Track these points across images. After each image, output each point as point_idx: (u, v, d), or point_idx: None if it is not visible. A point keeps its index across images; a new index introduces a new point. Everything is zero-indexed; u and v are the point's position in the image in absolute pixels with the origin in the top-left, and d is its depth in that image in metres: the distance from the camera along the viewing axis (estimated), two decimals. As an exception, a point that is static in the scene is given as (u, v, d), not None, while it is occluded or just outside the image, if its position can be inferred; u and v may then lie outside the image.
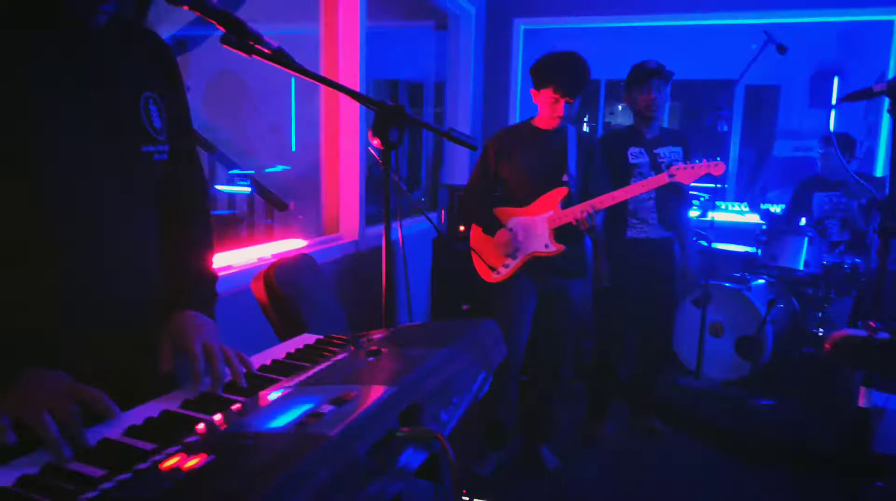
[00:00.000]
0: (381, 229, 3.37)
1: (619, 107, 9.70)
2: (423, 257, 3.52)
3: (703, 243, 3.61)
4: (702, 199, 3.90)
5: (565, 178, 2.42)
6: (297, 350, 1.11)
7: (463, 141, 1.37)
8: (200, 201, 1.15)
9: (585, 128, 7.90)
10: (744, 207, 4.82)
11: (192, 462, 0.62)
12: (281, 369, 1.00)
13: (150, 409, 0.83)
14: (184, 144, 1.08)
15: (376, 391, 0.78)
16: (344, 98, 2.90)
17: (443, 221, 3.36)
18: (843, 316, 3.60)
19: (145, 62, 1.00)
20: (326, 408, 0.73)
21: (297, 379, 0.91)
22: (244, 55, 1.07)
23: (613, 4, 4.54)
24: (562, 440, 2.89)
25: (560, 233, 2.42)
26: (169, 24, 5.04)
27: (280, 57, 1.10)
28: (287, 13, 4.36)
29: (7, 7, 0.81)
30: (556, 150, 2.47)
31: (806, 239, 3.47)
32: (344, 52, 2.90)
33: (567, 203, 2.41)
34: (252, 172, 4.53)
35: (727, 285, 3.46)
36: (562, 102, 2.36)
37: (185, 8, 1.00)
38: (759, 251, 3.67)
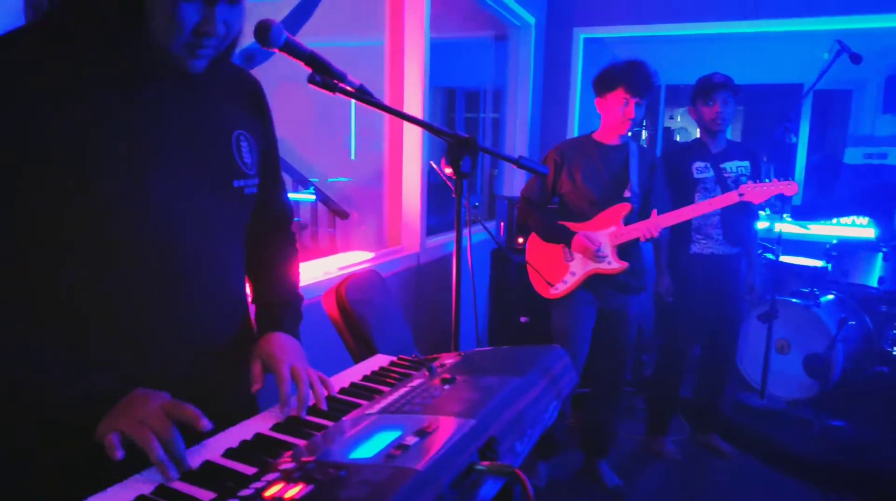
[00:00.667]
0: (441, 240, 3.43)
1: (679, 115, 9.51)
2: (481, 268, 3.55)
3: (770, 256, 3.52)
4: (767, 212, 3.80)
5: (627, 194, 2.42)
6: (373, 373, 1.16)
7: (532, 169, 1.40)
8: (286, 225, 1.22)
9: (644, 134, 7.79)
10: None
11: (293, 492, 0.67)
12: (359, 392, 1.05)
13: (243, 431, 0.90)
14: (271, 172, 1.15)
15: (457, 424, 0.82)
16: (409, 109, 2.97)
17: (501, 232, 3.38)
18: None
19: (237, 99, 1.07)
20: (411, 440, 0.78)
21: (377, 405, 0.96)
22: (329, 93, 1.13)
23: (675, 12, 4.47)
24: (621, 455, 2.87)
25: (621, 249, 2.42)
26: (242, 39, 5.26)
27: (362, 94, 1.16)
28: (353, 26, 4.48)
29: (114, 58, 0.87)
30: (617, 166, 2.46)
31: (880, 254, 3.34)
32: (409, 63, 2.96)
33: (629, 220, 2.41)
34: (316, 180, 4.67)
35: (794, 300, 3.36)
36: (632, 103, 2.34)
37: (277, 51, 1.07)
38: (830, 266, 3.55)
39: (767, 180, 2.38)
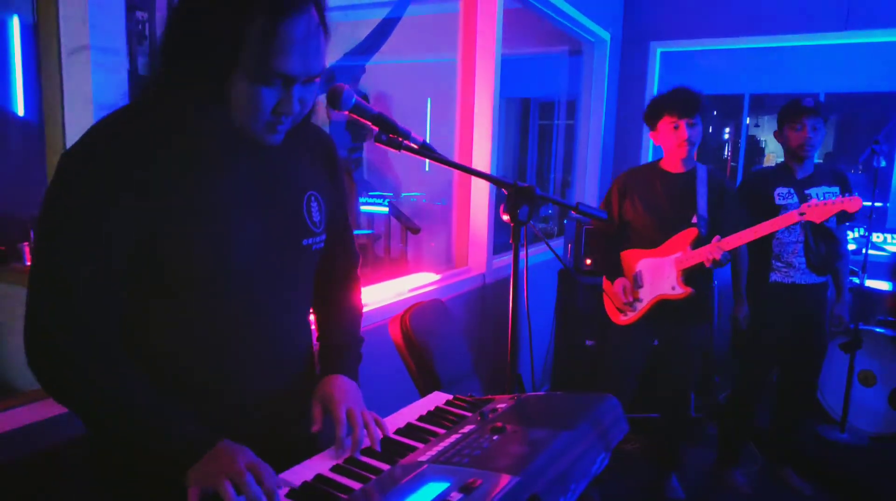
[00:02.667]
0: (508, 258, 3.46)
1: (764, 123, 9.12)
2: (548, 289, 3.56)
3: (855, 279, 3.35)
4: (858, 232, 3.61)
5: (695, 219, 2.39)
6: (429, 413, 1.22)
7: (591, 214, 1.43)
8: (352, 271, 1.31)
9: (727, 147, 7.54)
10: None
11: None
12: (415, 434, 1.12)
13: (305, 471, 0.98)
14: (340, 225, 1.24)
15: (501, 480, 0.87)
16: (478, 128, 3.03)
17: (568, 253, 3.39)
18: None
19: (311, 160, 1.15)
20: (456, 497, 0.83)
21: (429, 452, 1.02)
22: (394, 150, 1.21)
23: (754, 25, 4.32)
24: (688, 484, 2.82)
25: (688, 275, 2.39)
26: (329, 56, 5.50)
27: (425, 150, 1.23)
28: (430, 43, 4.59)
29: (206, 135, 0.98)
30: (683, 191, 2.44)
31: (980, 284, 3.12)
32: (480, 80, 3.03)
33: (696, 245, 2.37)
34: (391, 194, 4.82)
35: (880, 330, 3.18)
36: (682, 125, 2.34)
37: (347, 113, 1.16)
38: (922, 294, 3.34)
39: (832, 197, 2.29)
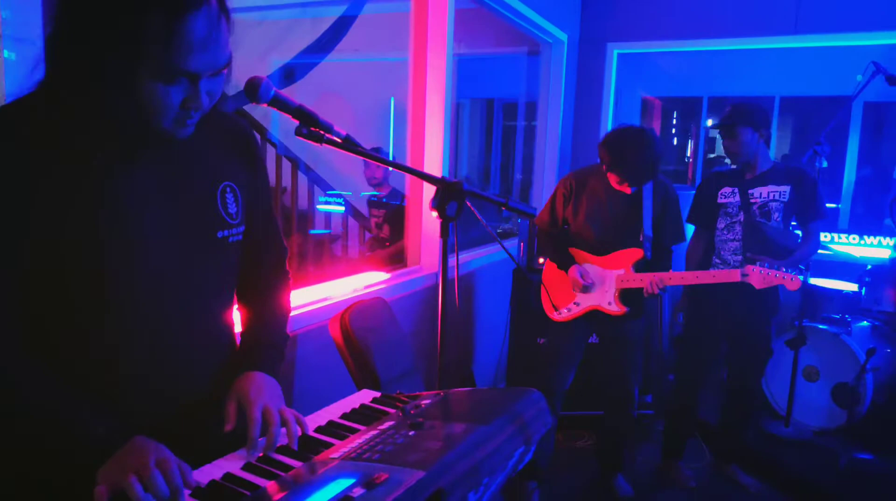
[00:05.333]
0: (464, 257, 3.47)
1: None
2: (503, 287, 3.58)
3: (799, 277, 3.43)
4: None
5: (641, 239, 2.42)
6: (353, 411, 1.21)
7: (520, 211, 1.43)
8: (277, 265, 1.28)
9: (690, 146, 7.69)
10: (853, 237, 4.49)
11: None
12: (335, 431, 1.10)
13: (215, 470, 0.96)
14: (263, 217, 1.21)
15: (408, 475, 0.86)
16: (429, 127, 3.03)
17: (521, 251, 3.40)
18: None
19: (225, 151, 1.13)
20: (358, 492, 0.82)
21: (344, 448, 1.01)
22: (316, 144, 1.19)
23: (710, 28, 4.41)
24: (635, 479, 2.86)
25: (624, 292, 2.45)
26: (280, 53, 5.44)
27: (349, 144, 1.21)
28: (393, 42, 4.58)
29: (108, 129, 0.94)
30: (628, 207, 2.47)
31: (917, 282, 3.22)
32: (432, 79, 3.02)
33: (639, 267, 2.43)
34: (349, 193, 4.79)
35: (823, 327, 3.27)
36: (626, 185, 2.38)
37: (265, 105, 1.14)
38: (863, 291, 3.44)
39: (775, 268, 2.33)
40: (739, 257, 2.70)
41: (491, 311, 3.71)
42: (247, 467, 0.98)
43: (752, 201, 2.71)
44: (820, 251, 4.06)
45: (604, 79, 4.84)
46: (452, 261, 3.40)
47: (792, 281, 2.28)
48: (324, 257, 4.35)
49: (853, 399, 3.08)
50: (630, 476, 2.86)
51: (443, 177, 1.33)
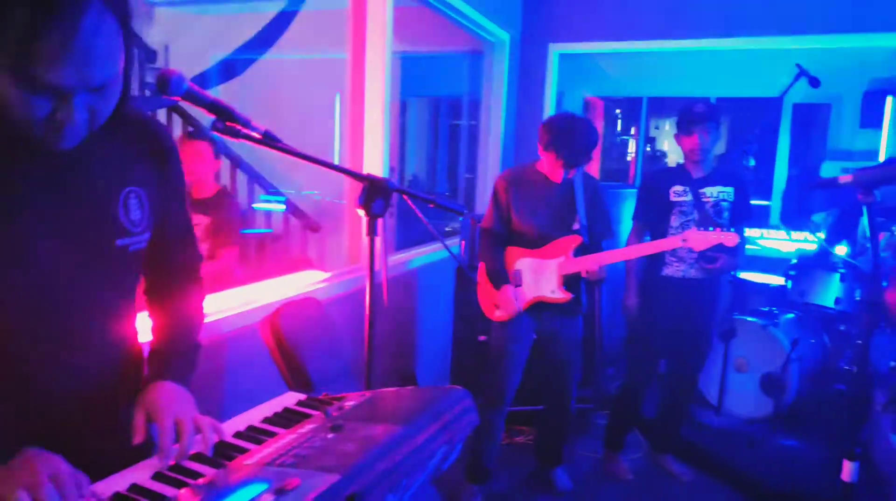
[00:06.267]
0: (406, 256, 3.45)
1: (665, 125, 9.57)
2: (446, 285, 3.58)
3: (731, 272, 3.55)
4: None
5: (576, 227, 2.46)
6: (276, 414, 1.18)
7: (449, 208, 1.43)
8: (192, 274, 1.24)
9: (632, 145, 7.86)
10: (781, 233, 4.68)
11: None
12: (253, 436, 1.07)
13: (120, 481, 0.92)
14: (174, 223, 1.16)
15: (319, 481, 0.84)
16: (370, 121, 3.00)
17: (463, 249, 3.41)
18: (885, 353, 3.49)
19: (133, 155, 1.07)
20: (268, 499, 0.80)
21: (260, 453, 0.98)
22: (233, 139, 1.16)
23: (647, 30, 4.52)
24: (575, 472, 2.91)
25: (565, 278, 2.48)
26: (219, 48, 5.29)
27: (268, 140, 1.18)
28: (339, 38, 4.52)
29: None
30: (563, 198, 2.52)
31: (838, 275, 3.38)
32: (371, 77, 2.99)
33: (578, 252, 2.46)
34: (293, 192, 4.70)
35: (751, 319, 3.39)
36: (562, 167, 2.40)
37: (178, 99, 1.10)
38: (790, 285, 3.59)
39: (711, 229, 2.40)
40: (695, 255, 2.75)
41: (434, 310, 3.71)
42: (156, 476, 0.94)
43: (704, 199, 2.75)
44: (750, 247, 4.22)
45: (545, 79, 4.90)
46: (392, 259, 3.40)
47: (729, 238, 2.34)
48: (264, 256, 4.26)
49: (780, 389, 3.21)
50: (569, 469, 2.90)
51: (368, 174, 1.31)
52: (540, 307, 2.53)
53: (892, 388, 3.09)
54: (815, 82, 3.27)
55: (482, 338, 3.08)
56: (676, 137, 2.80)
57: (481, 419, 2.80)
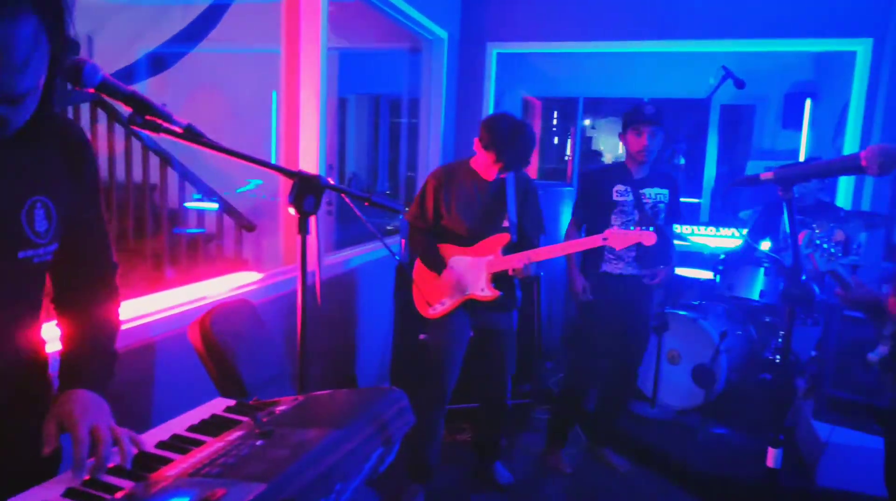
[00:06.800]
0: (345, 255, 3.39)
1: (599, 124, 9.79)
2: (387, 284, 3.55)
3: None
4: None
5: (506, 224, 2.48)
6: (203, 421, 1.13)
7: (386, 206, 1.40)
8: (105, 281, 1.18)
9: (569, 145, 8.00)
10: (711, 230, 4.85)
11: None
12: (178, 445, 1.02)
13: (30, 499, 0.86)
14: (87, 229, 1.11)
15: (245, 490, 0.81)
16: (305, 118, 2.93)
17: (403, 248, 3.39)
18: (806, 344, 3.67)
19: (43, 163, 1.01)
20: (189, 512, 0.76)
21: (184, 463, 0.93)
22: (153, 134, 1.10)
23: (582, 31, 4.61)
24: (516, 467, 2.93)
25: (496, 275, 2.49)
26: (147, 40, 5.07)
27: (191, 135, 1.13)
28: (268, 33, 4.40)
29: None
30: (494, 196, 2.53)
31: (762, 269, 3.53)
32: (305, 73, 2.93)
33: (508, 250, 2.47)
34: (227, 193, 4.55)
35: (683, 313, 3.51)
36: (499, 168, 2.41)
37: (92, 91, 1.03)
38: (718, 279, 3.73)
39: (631, 228, 2.46)
40: (633, 253, 2.79)
41: (375, 309, 3.67)
42: (69, 493, 0.88)
43: (645, 200, 2.80)
44: (680, 243, 4.36)
45: (484, 77, 4.93)
46: (331, 259, 3.34)
47: (647, 236, 2.40)
48: (197, 257, 4.11)
49: (710, 379, 3.33)
50: (509, 463, 2.93)
51: (299, 170, 1.27)
52: (474, 304, 2.54)
53: (813, 376, 3.26)
54: (739, 84, 3.40)
55: (423, 336, 3.06)
56: (622, 136, 2.82)
57: (422, 418, 2.78)
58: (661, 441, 3.22)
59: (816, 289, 3.52)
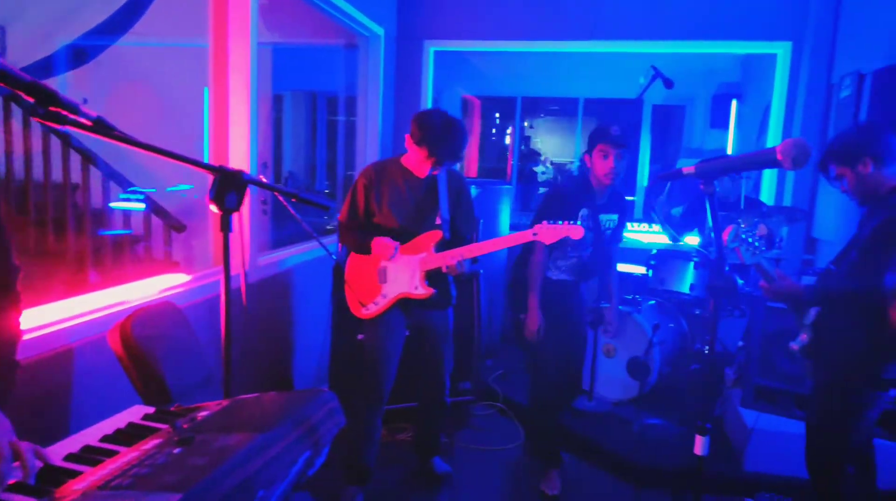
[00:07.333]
0: (279, 255, 3.31)
1: (537, 123, 9.93)
2: (324, 284, 3.48)
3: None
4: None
5: (438, 221, 2.47)
6: (118, 431, 1.07)
7: (314, 202, 1.36)
8: (3, 285, 1.10)
9: (509, 141, 8.06)
10: (643, 226, 4.99)
11: None
12: (88, 457, 0.96)
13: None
14: None
15: (158, 502, 0.76)
16: (235, 114, 2.84)
17: (340, 248, 3.33)
18: (734, 335, 3.81)
19: None
20: (94, 529, 0.71)
21: (94, 476, 0.88)
22: (57, 127, 1.03)
23: (516, 30, 4.65)
24: (458, 463, 2.93)
25: (430, 273, 2.49)
26: (66, 32, 4.81)
27: (101, 128, 1.06)
28: (187, 27, 4.24)
29: None
30: (426, 193, 2.52)
31: (692, 263, 3.65)
32: (235, 68, 2.84)
33: (440, 247, 2.46)
34: (154, 190, 4.36)
35: (619, 307, 3.58)
36: (431, 164, 2.39)
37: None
38: (651, 273, 3.83)
39: (560, 222, 2.43)
40: (573, 259, 2.81)
41: (312, 310, 3.59)
42: (-39, 514, 0.81)
43: (603, 228, 2.80)
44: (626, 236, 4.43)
45: (421, 75, 4.92)
46: (264, 259, 3.24)
47: (575, 231, 2.39)
48: (123, 259, 3.93)
49: (644, 371, 3.41)
50: (450, 460, 2.93)
51: (221, 166, 1.22)
52: (409, 302, 2.51)
53: (740, 366, 3.39)
54: (668, 83, 3.50)
55: (361, 337, 3.02)
56: (587, 157, 2.71)
57: (358, 419, 2.73)
58: (599, 433, 3.28)
59: (740, 281, 3.65)
